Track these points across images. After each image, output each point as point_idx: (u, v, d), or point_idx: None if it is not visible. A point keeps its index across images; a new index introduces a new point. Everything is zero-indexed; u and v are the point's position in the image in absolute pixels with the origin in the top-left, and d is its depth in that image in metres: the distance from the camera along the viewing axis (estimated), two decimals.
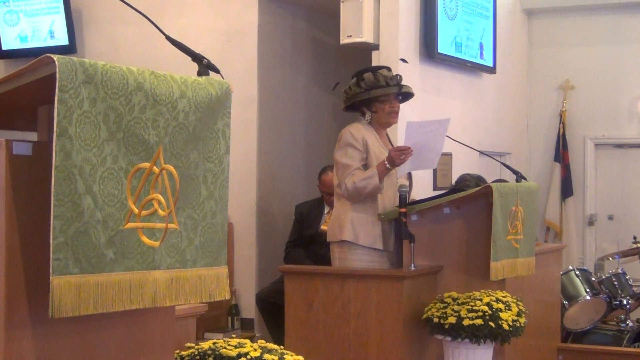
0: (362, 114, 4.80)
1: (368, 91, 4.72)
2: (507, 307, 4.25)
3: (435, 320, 4.25)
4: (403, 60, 5.45)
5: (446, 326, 4.19)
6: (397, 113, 4.79)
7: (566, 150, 8.57)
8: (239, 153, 6.01)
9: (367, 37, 6.14)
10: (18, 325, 2.08)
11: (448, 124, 4.68)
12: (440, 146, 4.69)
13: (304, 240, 6.18)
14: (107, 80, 2.06)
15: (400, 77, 4.81)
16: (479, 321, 4.13)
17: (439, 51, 6.62)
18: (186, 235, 2.30)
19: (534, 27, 8.85)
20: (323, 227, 5.84)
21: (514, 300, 4.35)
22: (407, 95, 4.90)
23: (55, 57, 1.96)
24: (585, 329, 6.36)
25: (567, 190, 8.53)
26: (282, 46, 7.02)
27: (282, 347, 2.72)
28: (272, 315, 6.05)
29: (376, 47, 6.24)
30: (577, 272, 6.35)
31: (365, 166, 4.65)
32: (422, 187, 6.19)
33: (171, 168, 2.24)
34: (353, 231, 4.64)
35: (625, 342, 6.20)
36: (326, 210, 6.11)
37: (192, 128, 2.28)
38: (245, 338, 2.79)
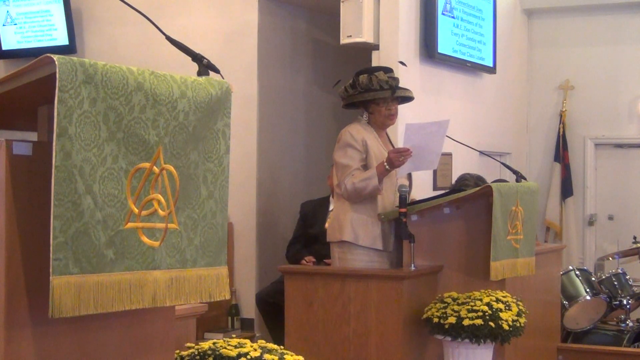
0: (362, 113, 4.81)
1: (362, 93, 4.72)
2: (507, 307, 4.25)
3: (435, 320, 4.25)
4: (402, 63, 5.45)
5: (446, 326, 4.19)
6: (394, 115, 4.79)
7: (566, 150, 8.57)
8: (239, 153, 6.01)
9: (367, 37, 6.14)
10: (18, 325, 2.08)
11: (447, 125, 4.68)
12: (439, 147, 4.69)
13: (307, 238, 6.18)
14: (107, 80, 2.06)
15: (397, 80, 4.80)
16: (479, 321, 4.13)
17: (439, 51, 6.62)
18: (186, 235, 2.30)
19: (534, 27, 8.85)
20: (327, 225, 5.86)
21: (514, 300, 4.35)
22: (407, 98, 4.89)
23: (55, 57, 1.96)
24: (585, 329, 6.36)
25: (567, 190, 8.53)
26: (282, 46, 7.02)
27: (282, 347, 2.72)
28: (272, 315, 6.05)
29: (376, 47, 6.25)
30: (577, 272, 6.34)
31: (365, 166, 4.65)
32: (422, 187, 6.19)
33: (171, 168, 2.24)
34: (353, 231, 4.64)
35: (625, 342, 6.20)
36: (331, 207, 6.11)
37: (192, 128, 2.28)
38: (245, 338, 2.79)
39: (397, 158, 4.51)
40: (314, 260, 5.91)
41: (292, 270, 4.86)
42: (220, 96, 2.36)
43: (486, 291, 4.37)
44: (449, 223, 4.72)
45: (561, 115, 8.62)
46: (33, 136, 2.27)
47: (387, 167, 4.55)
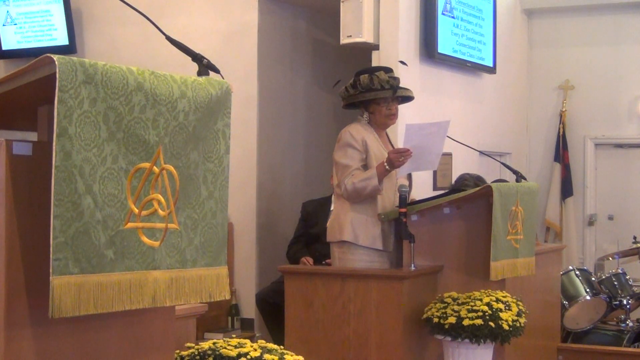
0: (362, 113, 4.82)
1: (363, 93, 4.72)
2: (507, 307, 4.25)
3: (435, 320, 4.25)
4: (402, 62, 5.45)
5: (446, 326, 4.19)
6: (395, 115, 4.79)
7: (566, 150, 8.57)
8: (239, 153, 6.01)
9: (367, 37, 6.14)
10: (18, 325, 2.08)
11: (448, 126, 4.67)
12: (440, 148, 4.69)
13: (309, 237, 6.18)
14: (107, 80, 2.06)
15: (398, 79, 4.80)
16: (479, 321, 4.13)
17: (439, 51, 6.62)
18: (186, 235, 2.30)
19: (534, 27, 8.85)
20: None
21: (514, 300, 4.35)
22: (408, 98, 4.89)
23: (55, 57, 1.96)
24: (585, 329, 6.36)
25: (567, 190, 8.53)
26: (282, 46, 7.02)
27: (282, 347, 2.72)
28: (272, 315, 6.05)
29: (376, 47, 6.25)
30: (577, 272, 6.35)
31: (365, 166, 4.65)
32: (422, 187, 6.19)
33: (171, 168, 2.24)
34: (353, 231, 4.64)
35: (625, 342, 6.20)
36: (332, 207, 6.10)
37: (192, 128, 2.28)
38: (245, 338, 2.79)
39: (397, 158, 4.51)
40: (311, 262, 5.91)
41: (292, 270, 4.86)
42: (220, 96, 2.36)
43: (486, 291, 4.37)
44: (449, 223, 4.72)
45: (561, 115, 8.63)
46: (33, 136, 2.26)
47: (387, 167, 4.55)
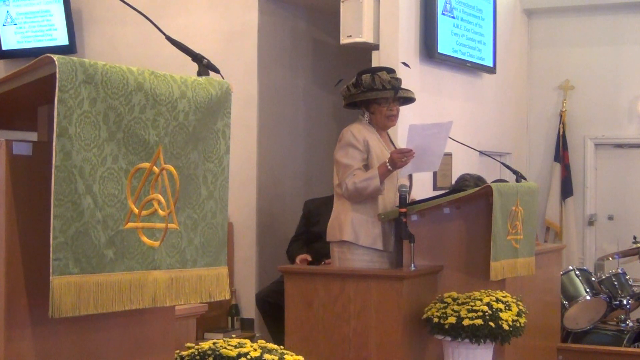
0: (362, 113, 4.81)
1: (364, 93, 4.72)
2: (507, 307, 4.25)
3: (435, 320, 4.25)
4: (405, 64, 5.44)
5: (446, 326, 4.19)
6: (395, 116, 4.78)
7: (566, 150, 8.57)
8: (239, 153, 6.01)
9: (367, 37, 6.14)
10: (18, 325, 2.08)
11: (450, 127, 4.68)
12: (442, 149, 4.69)
13: (309, 236, 6.18)
14: (107, 80, 2.06)
15: (400, 80, 4.80)
16: (479, 321, 4.13)
17: (439, 51, 6.62)
18: (186, 235, 2.30)
19: (534, 27, 8.85)
20: None
21: (514, 300, 4.35)
22: (409, 99, 4.89)
23: (55, 57, 1.96)
24: (585, 329, 6.37)
25: (567, 190, 8.53)
26: (282, 46, 7.02)
27: (282, 347, 2.72)
28: (272, 315, 6.05)
29: (376, 47, 6.25)
30: (577, 272, 6.35)
31: (366, 166, 4.64)
32: (422, 187, 6.18)
33: (171, 168, 2.24)
34: (353, 231, 4.64)
35: (625, 342, 6.20)
36: None
37: (192, 128, 2.28)
38: (245, 338, 2.79)
39: (399, 158, 4.51)
40: (309, 259, 5.90)
41: (292, 270, 4.86)
42: (220, 96, 2.36)
43: (486, 291, 4.37)
44: (449, 223, 4.72)
45: (561, 115, 8.63)
46: (33, 136, 2.27)
47: (389, 167, 4.55)
